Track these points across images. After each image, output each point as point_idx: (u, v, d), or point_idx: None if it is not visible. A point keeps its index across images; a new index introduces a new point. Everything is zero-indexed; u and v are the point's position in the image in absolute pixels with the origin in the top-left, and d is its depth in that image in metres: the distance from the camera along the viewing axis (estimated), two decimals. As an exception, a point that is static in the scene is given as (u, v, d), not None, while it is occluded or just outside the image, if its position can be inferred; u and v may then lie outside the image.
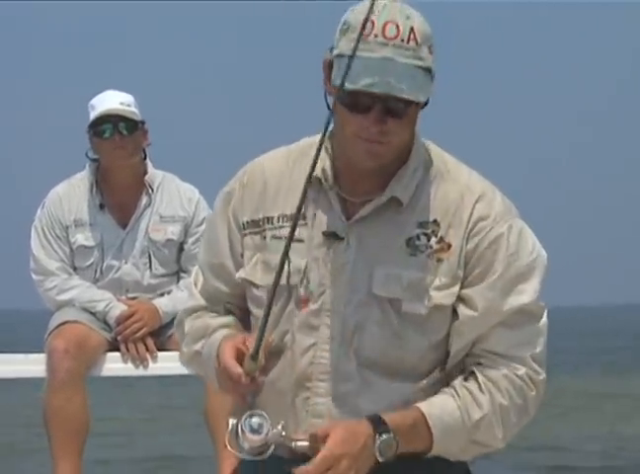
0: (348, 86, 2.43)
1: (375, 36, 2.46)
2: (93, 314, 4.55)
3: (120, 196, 4.64)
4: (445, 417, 2.50)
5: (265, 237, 2.60)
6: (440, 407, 2.51)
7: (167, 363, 4.42)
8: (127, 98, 4.64)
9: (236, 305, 2.69)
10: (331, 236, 2.56)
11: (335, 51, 2.50)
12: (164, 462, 12.18)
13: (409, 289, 2.54)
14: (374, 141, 2.49)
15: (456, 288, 2.54)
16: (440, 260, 2.54)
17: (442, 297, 2.54)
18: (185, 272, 4.68)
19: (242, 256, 2.63)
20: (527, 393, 2.57)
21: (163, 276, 4.66)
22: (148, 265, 4.63)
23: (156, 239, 4.62)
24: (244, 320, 2.68)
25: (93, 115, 4.59)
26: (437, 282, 2.54)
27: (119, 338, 4.52)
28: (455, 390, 2.53)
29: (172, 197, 4.66)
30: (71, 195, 4.65)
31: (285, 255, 2.44)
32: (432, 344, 2.55)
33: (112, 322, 4.54)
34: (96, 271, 4.62)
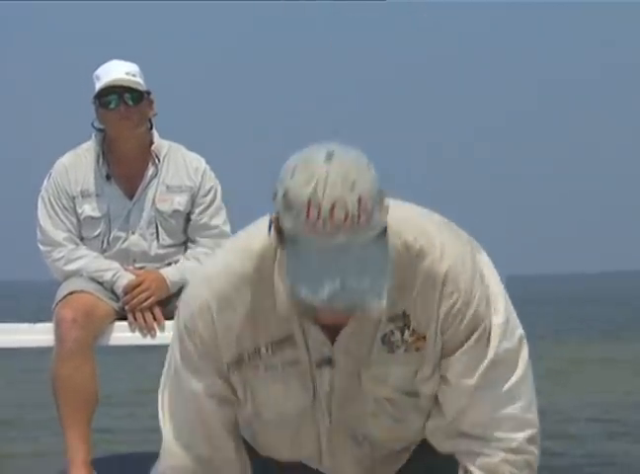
0: (310, 300, 2.31)
1: (324, 222, 2.31)
2: (100, 284, 4.54)
3: (126, 166, 4.61)
4: None
5: (257, 368, 2.55)
6: None
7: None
8: (133, 67, 4.59)
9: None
10: (322, 363, 2.53)
11: (283, 224, 2.36)
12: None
13: (396, 388, 2.55)
14: (341, 320, 2.45)
15: (439, 374, 2.55)
16: (418, 349, 2.53)
17: (430, 388, 2.55)
18: (192, 241, 4.65)
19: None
20: (529, 458, 2.56)
21: (170, 246, 4.63)
22: (155, 235, 4.61)
23: (163, 209, 4.60)
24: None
25: (98, 85, 4.55)
26: (420, 375, 2.54)
27: (126, 307, 4.51)
28: None
29: (178, 167, 4.63)
30: (77, 165, 4.62)
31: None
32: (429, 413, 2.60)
33: (119, 291, 4.53)
34: (103, 241, 4.60)
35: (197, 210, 4.62)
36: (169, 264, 4.63)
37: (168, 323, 4.48)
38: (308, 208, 2.31)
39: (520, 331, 2.59)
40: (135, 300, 4.50)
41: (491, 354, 2.52)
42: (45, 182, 4.65)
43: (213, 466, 2.61)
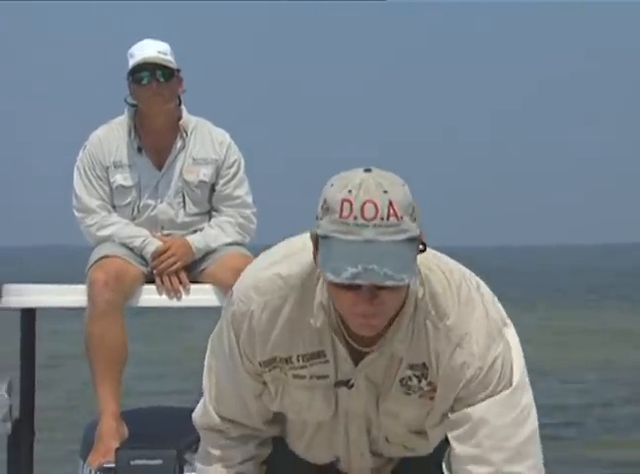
0: (333, 279, 2.33)
1: (355, 218, 2.33)
2: (130, 249, 4.53)
3: (156, 139, 4.60)
4: None
5: (286, 374, 2.56)
6: None
7: (199, 296, 4.43)
8: (164, 46, 4.58)
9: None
10: (342, 384, 2.54)
11: (319, 230, 2.39)
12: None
13: (406, 425, 2.56)
14: (369, 315, 2.39)
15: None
16: (432, 398, 2.52)
17: (437, 433, 2.55)
18: (216, 210, 4.64)
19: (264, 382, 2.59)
20: None
21: (196, 214, 4.62)
22: (182, 204, 4.60)
23: (189, 180, 4.59)
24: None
25: (132, 62, 4.54)
26: (430, 421, 2.54)
27: (154, 271, 4.50)
28: None
29: (204, 141, 4.61)
30: (110, 137, 4.61)
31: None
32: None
33: (148, 257, 4.52)
34: (133, 209, 4.60)
35: (221, 182, 4.61)
36: (194, 231, 4.61)
37: (193, 286, 4.50)
38: (342, 207, 2.32)
39: (529, 396, 2.52)
40: (163, 265, 4.49)
41: (504, 400, 2.47)
42: (81, 153, 4.64)
43: (245, 432, 2.64)
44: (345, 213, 2.32)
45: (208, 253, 4.54)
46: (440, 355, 2.48)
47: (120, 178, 4.58)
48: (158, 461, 3.77)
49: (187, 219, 4.61)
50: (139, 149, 4.59)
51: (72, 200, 4.64)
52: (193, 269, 4.54)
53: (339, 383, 2.52)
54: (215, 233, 4.57)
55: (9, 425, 4.21)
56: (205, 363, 2.66)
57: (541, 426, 2.53)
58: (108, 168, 4.58)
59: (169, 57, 4.55)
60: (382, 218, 2.32)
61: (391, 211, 2.33)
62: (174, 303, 4.49)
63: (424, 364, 2.49)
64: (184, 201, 4.60)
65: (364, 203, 2.32)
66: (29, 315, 4.42)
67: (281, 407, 2.59)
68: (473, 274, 2.59)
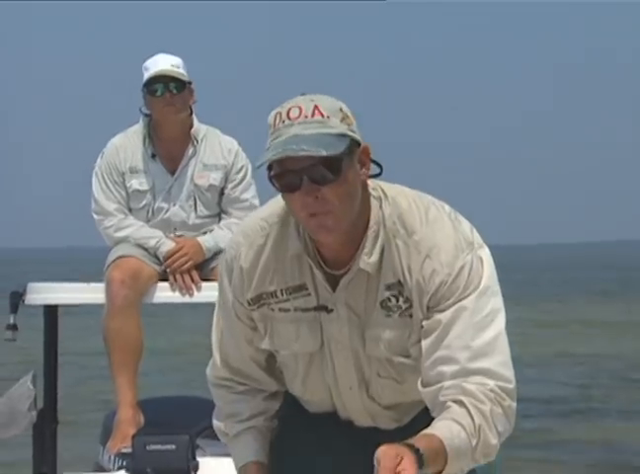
0: (257, 165, 2.39)
1: (282, 121, 2.38)
2: (145, 249, 4.58)
3: (169, 146, 4.66)
4: (455, 440, 2.36)
5: (272, 309, 2.56)
6: (449, 431, 2.36)
7: (210, 292, 4.41)
8: (177, 60, 4.65)
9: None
10: (321, 308, 2.53)
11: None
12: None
13: (391, 348, 2.52)
14: (319, 213, 2.39)
15: None
16: (411, 316, 2.50)
17: (418, 350, 2.50)
18: (225, 213, 4.70)
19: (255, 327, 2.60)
20: (502, 402, 2.42)
21: (206, 216, 4.68)
22: (193, 207, 4.66)
23: (200, 184, 4.65)
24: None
25: (147, 75, 4.61)
26: (413, 338, 2.51)
27: (168, 270, 4.55)
28: (450, 414, 2.39)
29: (214, 148, 4.68)
30: (126, 145, 4.67)
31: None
32: None
33: (162, 256, 4.58)
34: (148, 212, 4.65)
35: (229, 186, 4.67)
36: (205, 232, 4.66)
37: (204, 284, 4.53)
38: (274, 119, 2.39)
39: (497, 301, 2.48)
40: (176, 264, 4.53)
41: (471, 303, 2.44)
42: (99, 160, 4.69)
43: (249, 386, 2.65)
44: (276, 122, 2.38)
45: (218, 252, 4.57)
46: (412, 269, 2.46)
47: (136, 183, 4.63)
48: (172, 446, 3.79)
49: (198, 221, 4.67)
50: (153, 156, 4.65)
51: (91, 204, 4.68)
52: (203, 267, 4.59)
53: (319, 308, 2.51)
54: (224, 234, 4.60)
55: (34, 414, 4.24)
56: (214, 318, 2.68)
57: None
58: (124, 173, 4.64)
59: (181, 70, 4.61)
60: (306, 116, 2.37)
61: (316, 112, 2.37)
62: (186, 300, 4.53)
63: (399, 282, 2.47)
64: (195, 204, 4.65)
65: (290, 109, 2.38)
66: (51, 311, 4.46)
67: (272, 345, 2.59)
68: (451, 208, 2.56)
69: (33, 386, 4.25)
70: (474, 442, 2.36)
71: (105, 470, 4.17)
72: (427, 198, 2.53)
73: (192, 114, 4.69)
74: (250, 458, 2.63)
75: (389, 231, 2.47)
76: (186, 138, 4.66)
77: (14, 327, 4.53)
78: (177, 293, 4.54)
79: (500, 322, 2.46)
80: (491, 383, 2.40)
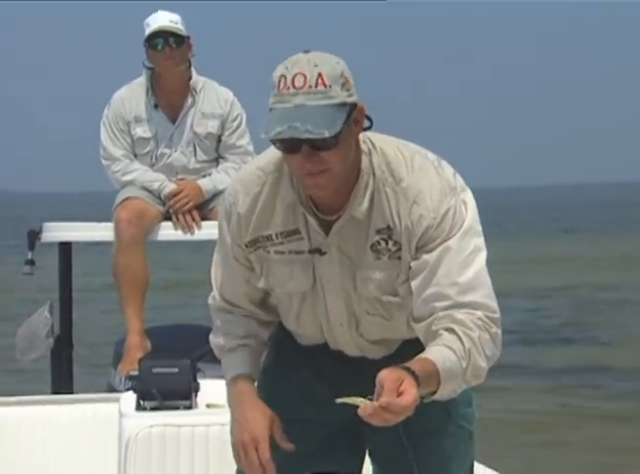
0: (264, 137, 2.39)
1: (288, 88, 2.37)
2: (150, 192, 4.65)
3: (170, 97, 4.72)
4: (447, 362, 2.37)
5: (268, 252, 2.58)
6: (441, 355, 2.38)
7: (209, 230, 4.46)
8: (176, 17, 4.70)
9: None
10: (315, 251, 2.55)
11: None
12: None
13: (381, 288, 2.54)
14: (315, 173, 2.41)
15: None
16: (399, 258, 2.52)
17: (406, 289, 2.52)
18: (222, 158, 4.76)
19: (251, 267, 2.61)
20: (490, 330, 2.44)
21: (205, 161, 4.75)
22: (193, 153, 4.72)
23: (199, 132, 4.70)
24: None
25: (148, 31, 4.66)
26: (401, 278, 2.53)
27: (170, 210, 4.63)
28: (441, 340, 2.41)
29: (211, 98, 4.72)
30: (131, 96, 4.72)
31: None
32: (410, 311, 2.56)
33: (165, 198, 4.65)
34: (151, 157, 4.71)
35: (226, 133, 4.72)
36: (204, 176, 4.72)
37: (204, 223, 4.60)
38: (279, 81, 2.39)
39: (479, 240, 2.49)
40: (178, 205, 4.60)
41: (455, 243, 2.46)
42: (106, 110, 4.75)
43: (246, 313, 2.67)
44: (281, 86, 2.38)
45: (216, 194, 4.65)
46: (401, 214, 2.49)
47: (140, 130, 4.69)
48: (175, 369, 3.81)
49: (197, 166, 4.73)
50: (156, 106, 4.70)
51: (100, 151, 4.75)
52: (203, 208, 4.67)
53: (313, 251, 2.53)
54: (222, 177, 4.67)
55: (51, 340, 4.36)
56: (214, 258, 2.70)
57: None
58: (129, 122, 4.69)
59: (180, 26, 4.66)
60: (310, 86, 2.36)
61: (319, 81, 2.37)
62: (187, 237, 4.60)
63: (388, 226, 2.49)
64: (194, 150, 4.71)
65: (295, 75, 2.37)
66: (65, 248, 4.55)
67: (267, 284, 2.61)
68: (435, 154, 2.57)
69: (50, 315, 4.37)
70: (464, 365, 2.39)
71: (116, 390, 4.27)
72: (411, 147, 2.55)
73: (190, 66, 4.73)
74: (241, 371, 2.64)
75: (378, 180, 2.50)
76: (185, 89, 4.70)
77: (32, 262, 4.66)
78: (179, 232, 4.61)
79: (481, 259, 2.49)
80: (479, 313, 2.44)
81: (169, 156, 4.72)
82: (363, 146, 2.51)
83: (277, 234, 2.56)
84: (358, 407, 2.26)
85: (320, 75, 2.37)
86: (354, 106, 2.42)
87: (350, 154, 2.45)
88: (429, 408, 2.40)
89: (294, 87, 2.37)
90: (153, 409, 3.69)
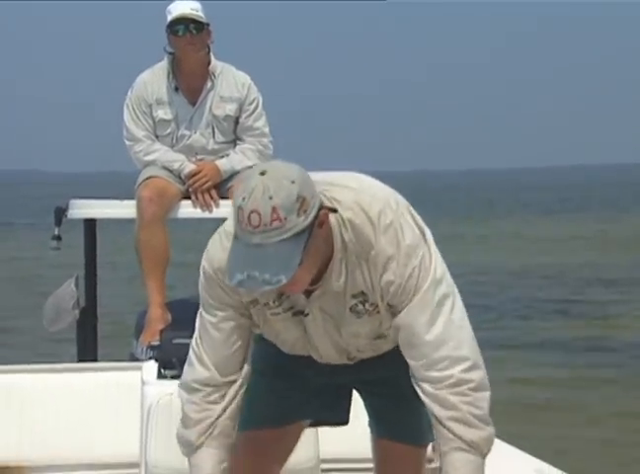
0: (227, 282, 2.41)
1: (245, 225, 2.38)
2: (170, 171, 4.67)
3: (190, 81, 4.75)
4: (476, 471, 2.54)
5: (265, 313, 2.63)
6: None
7: (226, 209, 4.35)
8: (196, 4, 4.73)
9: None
10: (298, 313, 2.61)
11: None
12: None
13: (367, 337, 2.63)
14: (286, 288, 2.46)
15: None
16: (378, 312, 2.60)
17: (393, 331, 2.60)
18: (239, 139, 4.79)
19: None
20: (471, 385, 2.51)
21: (223, 142, 4.77)
22: (212, 134, 4.74)
23: (218, 114, 4.74)
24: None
25: (170, 17, 4.70)
26: (385, 325, 2.62)
27: (190, 189, 4.66)
28: (453, 467, 2.52)
29: (229, 82, 4.75)
30: (153, 80, 4.76)
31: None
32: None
33: (184, 177, 4.68)
34: (172, 138, 4.74)
35: (243, 115, 4.74)
36: (222, 156, 4.73)
37: (222, 201, 4.63)
38: (238, 214, 2.39)
39: (443, 287, 2.54)
40: (197, 184, 4.62)
41: (420, 300, 2.53)
42: (129, 92, 4.78)
43: (223, 379, 2.66)
44: (239, 218, 2.39)
45: (233, 174, 4.69)
46: (373, 281, 2.54)
47: (162, 113, 4.72)
48: None
49: (216, 147, 4.75)
50: (176, 89, 4.73)
51: (123, 132, 4.78)
52: (221, 187, 4.70)
53: (297, 313, 2.61)
54: (239, 158, 4.71)
55: (77, 312, 4.44)
56: (196, 324, 2.68)
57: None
58: (151, 105, 4.72)
59: (200, 13, 4.69)
60: (266, 224, 2.36)
61: (274, 217, 2.36)
62: (206, 215, 4.63)
63: (362, 292, 2.55)
64: (213, 132, 4.74)
65: (251, 213, 2.36)
66: (90, 224, 4.62)
67: (263, 331, 2.68)
68: (395, 193, 2.60)
69: (76, 288, 4.44)
70: (479, 457, 2.51)
71: (138, 360, 4.33)
72: (378, 202, 2.54)
73: (209, 52, 4.76)
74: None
75: (350, 253, 2.53)
76: (205, 73, 4.73)
77: (58, 238, 4.72)
78: (198, 210, 4.64)
79: (447, 308, 2.53)
80: (454, 372, 2.51)
81: (189, 137, 4.74)
82: (333, 221, 2.52)
83: (273, 301, 2.61)
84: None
85: (274, 210, 2.37)
86: (315, 218, 2.42)
87: (318, 255, 2.48)
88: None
89: (251, 225, 2.37)
90: (173, 377, 3.72)
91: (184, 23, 4.67)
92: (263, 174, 2.41)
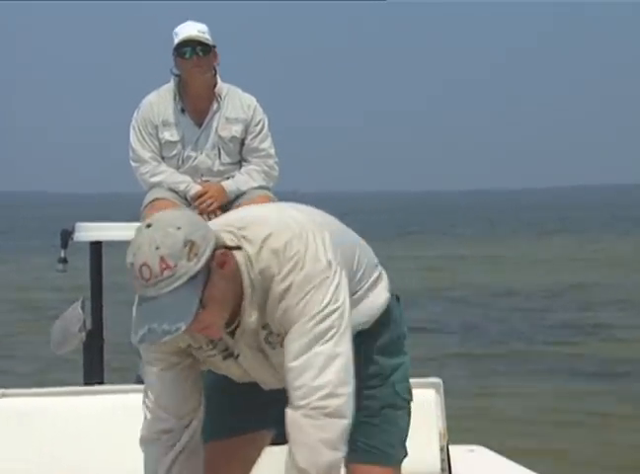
0: (132, 341, 2.43)
1: (138, 279, 2.40)
2: (176, 193, 4.70)
3: (196, 102, 4.75)
4: None
5: (202, 355, 2.66)
6: None
7: None
8: (203, 27, 4.73)
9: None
10: (229, 356, 2.65)
11: None
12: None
13: (280, 368, 2.60)
14: (201, 331, 2.50)
15: None
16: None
17: None
18: (245, 161, 4.79)
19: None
20: (326, 411, 2.49)
21: (229, 164, 4.78)
22: (218, 155, 4.75)
23: (223, 135, 4.74)
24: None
25: (177, 40, 4.69)
26: None
27: (196, 211, 4.60)
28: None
29: (235, 104, 4.76)
30: (159, 101, 4.76)
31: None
32: None
33: (190, 199, 4.69)
34: (178, 160, 4.75)
35: (249, 137, 4.75)
36: (227, 177, 4.75)
37: None
38: (130, 270, 2.41)
39: (335, 323, 2.53)
40: (203, 205, 4.65)
41: (295, 332, 2.54)
42: (135, 114, 4.79)
43: (181, 422, 2.68)
44: (133, 276, 2.41)
45: (239, 195, 4.70)
46: (274, 314, 2.56)
47: (168, 134, 4.72)
48: None
49: (222, 168, 4.76)
50: (183, 110, 4.73)
51: (129, 153, 4.78)
52: (226, 209, 4.63)
53: (228, 355, 2.65)
54: (245, 179, 4.72)
55: (83, 334, 4.39)
56: (143, 389, 2.72)
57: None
58: (157, 126, 4.73)
59: (207, 36, 4.69)
60: (157, 276, 2.36)
61: (163, 266, 2.36)
62: None
63: (267, 323, 2.58)
64: (219, 153, 4.74)
65: (141, 267, 2.37)
66: (96, 247, 4.59)
67: (208, 368, 2.71)
68: (314, 223, 2.59)
69: (82, 311, 4.39)
70: None
71: (144, 382, 4.36)
72: (286, 236, 2.54)
73: (216, 74, 4.76)
74: None
75: (257, 290, 2.54)
76: (210, 95, 4.73)
77: (64, 260, 4.68)
78: None
79: (323, 341, 2.51)
80: (312, 400, 2.50)
81: (195, 159, 4.75)
82: (240, 259, 2.52)
83: (206, 343, 2.63)
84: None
85: (162, 259, 2.37)
86: (210, 259, 2.42)
87: (227, 297, 2.48)
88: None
89: (143, 279, 2.38)
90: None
91: (191, 45, 4.67)
92: (149, 226, 2.42)
